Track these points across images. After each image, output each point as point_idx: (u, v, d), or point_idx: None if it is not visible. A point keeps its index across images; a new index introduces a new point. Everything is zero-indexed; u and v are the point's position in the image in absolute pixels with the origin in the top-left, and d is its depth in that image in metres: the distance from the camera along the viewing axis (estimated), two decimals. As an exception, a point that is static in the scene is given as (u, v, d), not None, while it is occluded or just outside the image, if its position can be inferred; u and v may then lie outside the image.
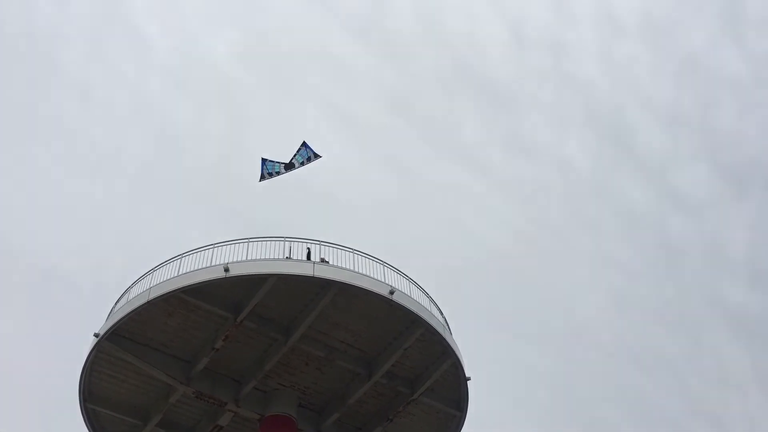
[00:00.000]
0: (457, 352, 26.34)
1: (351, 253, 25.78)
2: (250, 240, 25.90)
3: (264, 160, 25.58)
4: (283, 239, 26.00)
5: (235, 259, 24.58)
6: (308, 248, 25.55)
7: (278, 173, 26.13)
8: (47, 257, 64.20)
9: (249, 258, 25.00)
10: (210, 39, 76.80)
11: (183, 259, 25.12)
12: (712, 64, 75.52)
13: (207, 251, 25.12)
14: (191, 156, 73.38)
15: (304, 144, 26.06)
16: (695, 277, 74.54)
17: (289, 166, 25.57)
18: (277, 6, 76.98)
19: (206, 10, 76.71)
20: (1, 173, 66.82)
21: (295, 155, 25.80)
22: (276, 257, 25.34)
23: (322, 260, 25.28)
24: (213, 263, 24.40)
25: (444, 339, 25.78)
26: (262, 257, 25.12)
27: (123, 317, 24.36)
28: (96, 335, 24.87)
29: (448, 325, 27.16)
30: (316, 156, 25.95)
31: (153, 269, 25.30)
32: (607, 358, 70.00)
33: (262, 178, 25.43)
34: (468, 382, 27.01)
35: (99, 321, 26.50)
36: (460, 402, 27.64)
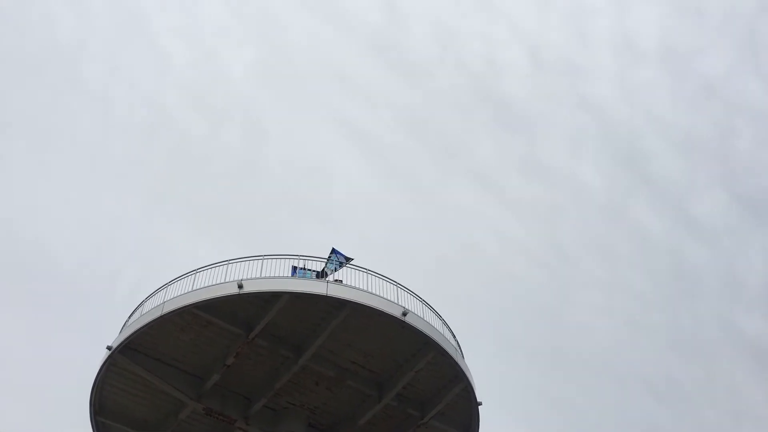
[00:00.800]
0: (468, 376, 26.13)
1: (365, 273, 25.76)
2: (265, 257, 26.01)
3: (294, 269, 25.71)
4: (297, 257, 26.08)
5: (249, 276, 24.67)
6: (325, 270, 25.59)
7: None
8: (61, 266, 64.61)
9: (263, 275, 25.12)
10: (228, 55, 77.64)
11: (197, 274, 25.26)
12: (730, 91, 75.35)
13: (221, 267, 25.24)
14: (206, 171, 73.87)
15: (333, 251, 26.12)
16: (711, 306, 73.71)
17: (321, 275, 25.71)
18: (295, 24, 77.76)
19: (225, 26, 77.63)
20: (19, 181, 67.61)
21: (326, 264, 25.90)
22: (290, 275, 25.46)
23: (336, 281, 25.26)
24: (227, 279, 24.50)
25: (456, 362, 25.59)
26: (276, 275, 25.25)
27: (136, 331, 24.45)
28: (109, 348, 24.93)
29: (460, 348, 26.98)
30: (348, 259, 26.02)
31: (167, 284, 25.42)
32: (619, 385, 69.27)
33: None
34: (479, 407, 26.78)
35: (110, 332, 26.64)
36: (471, 427, 27.37)
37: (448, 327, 26.95)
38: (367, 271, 25.83)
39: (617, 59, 77.98)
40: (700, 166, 76.65)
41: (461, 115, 78.77)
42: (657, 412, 67.34)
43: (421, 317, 25.43)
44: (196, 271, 25.30)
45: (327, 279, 25.20)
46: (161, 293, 25.22)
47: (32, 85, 70.52)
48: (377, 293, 24.99)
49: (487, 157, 77.64)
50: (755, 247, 73.91)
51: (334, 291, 24.14)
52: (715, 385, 70.02)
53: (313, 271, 25.89)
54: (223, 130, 75.99)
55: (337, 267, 25.98)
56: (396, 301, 25.08)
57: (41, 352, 58.61)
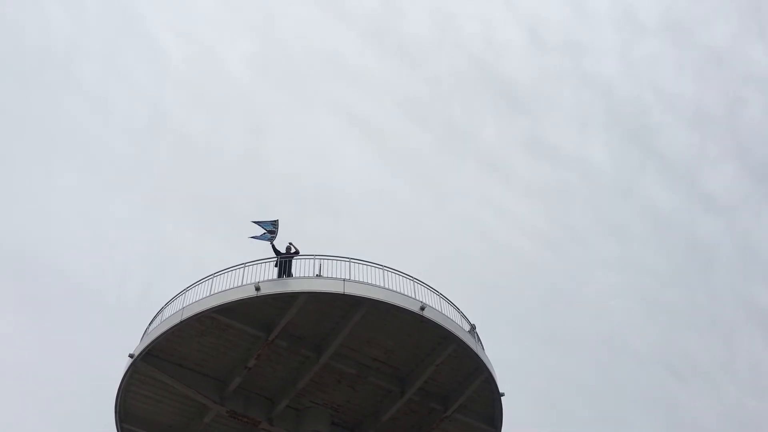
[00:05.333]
0: (490, 368, 26.18)
1: (381, 270, 25.73)
2: (280, 257, 26.10)
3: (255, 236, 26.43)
4: (313, 257, 26.09)
5: (266, 278, 24.77)
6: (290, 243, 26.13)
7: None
8: (68, 271, 64.41)
9: (276, 277, 25.21)
10: (224, 48, 77.22)
11: (215, 278, 25.33)
12: (736, 60, 74.62)
13: (238, 270, 25.30)
14: (208, 166, 73.59)
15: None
16: (727, 280, 73.32)
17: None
18: (291, 13, 77.26)
19: (221, 19, 77.16)
20: (21, 187, 67.51)
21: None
22: (306, 275, 25.51)
23: (318, 275, 25.16)
24: (244, 282, 24.57)
25: (476, 355, 25.64)
26: (294, 275, 25.33)
27: (157, 338, 24.60)
28: (131, 356, 25.10)
29: (480, 339, 27.03)
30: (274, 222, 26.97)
31: (185, 289, 25.52)
32: (638, 365, 69.04)
33: (272, 238, 26.32)
34: (502, 397, 26.86)
35: (124, 335, 26.79)
36: (494, 418, 27.46)
37: (466, 319, 26.97)
38: (383, 267, 25.79)
39: (619, 34, 77.36)
40: (710, 139, 76.17)
41: (464, 98, 78.36)
42: (678, 390, 67.38)
43: (439, 311, 25.45)
44: (213, 275, 25.37)
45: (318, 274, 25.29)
46: (180, 299, 25.34)
47: (28, 87, 70.15)
48: (394, 288, 25.03)
49: (492, 140, 77.33)
50: (770, 218, 73.40)
51: (351, 289, 24.19)
52: (735, 360, 69.93)
53: (272, 221, 26.60)
54: (223, 124, 75.81)
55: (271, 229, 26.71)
56: (413, 296, 25.13)
57: (56, 358, 58.88)
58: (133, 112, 73.05)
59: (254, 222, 26.91)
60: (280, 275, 25.43)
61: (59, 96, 71.39)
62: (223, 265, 25.87)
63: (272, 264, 25.53)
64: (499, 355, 29.40)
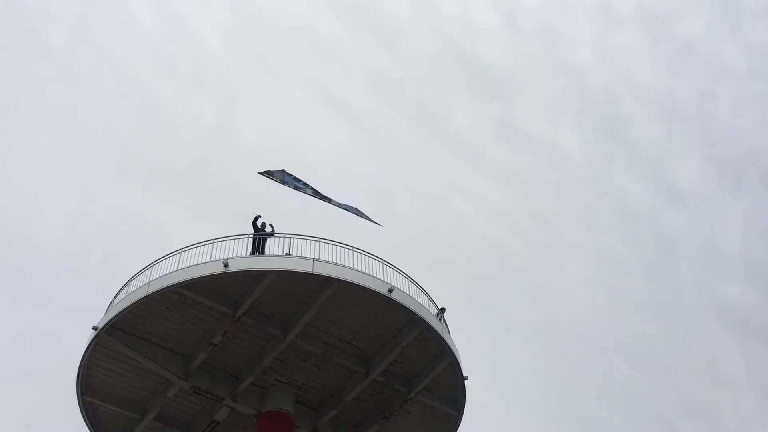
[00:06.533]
0: (455, 351, 26.43)
1: (350, 251, 25.74)
2: (250, 235, 26.06)
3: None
4: (283, 236, 26.02)
5: (235, 255, 24.60)
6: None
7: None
8: (30, 242, 63.09)
9: (248, 253, 25.12)
10: (198, 20, 75.89)
11: (183, 253, 25.11)
12: (708, 54, 75.67)
13: (207, 246, 25.10)
14: (177, 139, 72.46)
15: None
16: (689, 272, 74.76)
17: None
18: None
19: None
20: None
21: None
22: (276, 253, 25.44)
23: (287, 254, 25.12)
24: (213, 258, 24.40)
25: (442, 338, 25.86)
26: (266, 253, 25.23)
27: (122, 311, 24.36)
28: (95, 328, 24.84)
29: (446, 323, 27.26)
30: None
31: (152, 263, 25.27)
32: (600, 353, 70.21)
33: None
34: (466, 381, 27.17)
35: (89, 307, 26.42)
36: (457, 401, 27.77)
37: (433, 302, 27.14)
38: (353, 248, 25.81)
39: (594, 23, 77.89)
40: (679, 132, 77.38)
41: (437, 80, 78.35)
42: (637, 380, 68.77)
43: (407, 293, 25.59)
44: (181, 249, 25.16)
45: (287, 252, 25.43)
46: (147, 272, 25.08)
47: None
48: (363, 270, 25.07)
49: (465, 124, 77.54)
50: (734, 213, 75.13)
51: (320, 269, 24.17)
52: (694, 352, 71.55)
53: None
54: (193, 96, 74.71)
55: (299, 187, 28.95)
56: (382, 278, 25.21)
57: (17, 329, 57.77)
58: (102, 81, 71.63)
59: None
60: (254, 252, 25.35)
61: (26, 61, 69.55)
62: (187, 238, 25.80)
63: (241, 241, 25.36)
64: (465, 340, 29.75)
